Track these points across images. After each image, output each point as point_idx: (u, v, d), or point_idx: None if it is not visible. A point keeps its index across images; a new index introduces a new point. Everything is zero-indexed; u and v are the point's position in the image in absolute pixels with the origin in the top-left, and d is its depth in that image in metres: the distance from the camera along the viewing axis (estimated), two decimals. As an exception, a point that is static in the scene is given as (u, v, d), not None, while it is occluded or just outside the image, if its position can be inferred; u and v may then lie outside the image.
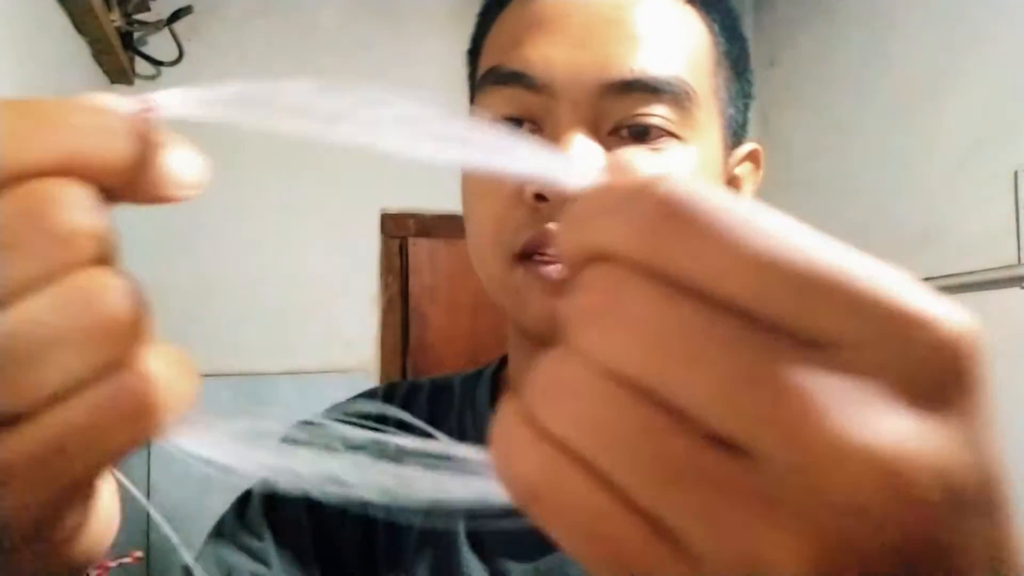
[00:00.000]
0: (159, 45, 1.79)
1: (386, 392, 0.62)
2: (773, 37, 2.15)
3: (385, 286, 1.88)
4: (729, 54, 0.52)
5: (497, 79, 0.48)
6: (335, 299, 1.84)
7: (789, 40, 2.07)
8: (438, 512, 0.52)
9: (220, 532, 0.53)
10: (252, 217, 1.81)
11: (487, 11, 0.53)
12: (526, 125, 0.47)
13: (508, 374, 0.58)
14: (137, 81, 1.80)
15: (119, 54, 1.64)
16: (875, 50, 1.71)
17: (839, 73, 1.84)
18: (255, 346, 1.77)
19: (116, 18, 1.60)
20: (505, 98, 0.47)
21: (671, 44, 0.47)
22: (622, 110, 0.45)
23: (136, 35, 1.74)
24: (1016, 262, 1.31)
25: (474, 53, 0.55)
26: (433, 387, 0.62)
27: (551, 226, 0.44)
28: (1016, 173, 1.31)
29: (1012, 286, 1.32)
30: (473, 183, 0.49)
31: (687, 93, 0.46)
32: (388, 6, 1.99)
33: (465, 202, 0.51)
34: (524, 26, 0.48)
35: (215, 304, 1.75)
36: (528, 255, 0.46)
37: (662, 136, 0.46)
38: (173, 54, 1.77)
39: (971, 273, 1.37)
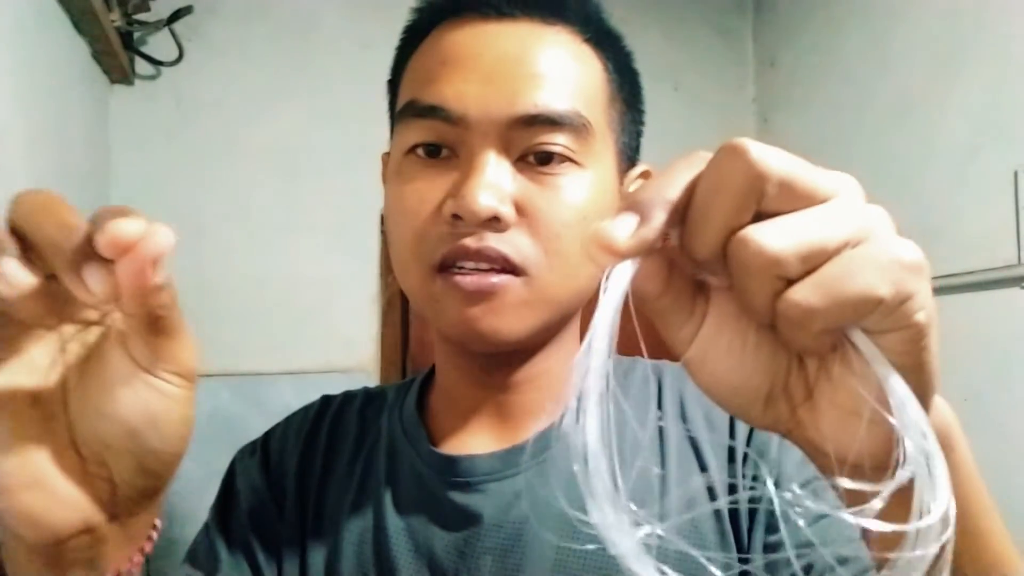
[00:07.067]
0: (159, 45, 1.78)
1: (321, 405, 0.67)
2: (773, 37, 2.15)
3: (385, 286, 1.87)
4: (622, 88, 0.57)
5: (416, 112, 0.52)
6: (335, 299, 1.84)
7: (789, 40, 2.07)
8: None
9: (191, 555, 0.61)
10: (252, 217, 1.81)
11: (404, 46, 0.59)
12: (444, 151, 0.52)
13: (436, 378, 0.65)
14: (137, 81, 1.80)
15: (119, 54, 1.64)
16: (875, 50, 1.71)
17: (839, 73, 1.84)
18: (255, 346, 1.77)
19: (116, 18, 1.60)
20: (424, 128, 0.52)
21: (570, 81, 0.52)
22: (528, 139, 0.51)
23: (136, 35, 1.74)
24: (1016, 262, 1.31)
25: (394, 84, 0.60)
26: (366, 396, 0.68)
27: (467, 241, 0.50)
28: (1016, 173, 1.31)
29: (1012, 286, 1.32)
30: (397, 203, 0.54)
31: (584, 125, 0.52)
32: (388, 6, 1.99)
33: (389, 219, 0.56)
34: (438, 62, 0.53)
35: (215, 304, 1.74)
36: (446, 267, 0.51)
37: (563, 162, 0.51)
38: (173, 54, 1.77)
39: (971, 273, 1.37)
